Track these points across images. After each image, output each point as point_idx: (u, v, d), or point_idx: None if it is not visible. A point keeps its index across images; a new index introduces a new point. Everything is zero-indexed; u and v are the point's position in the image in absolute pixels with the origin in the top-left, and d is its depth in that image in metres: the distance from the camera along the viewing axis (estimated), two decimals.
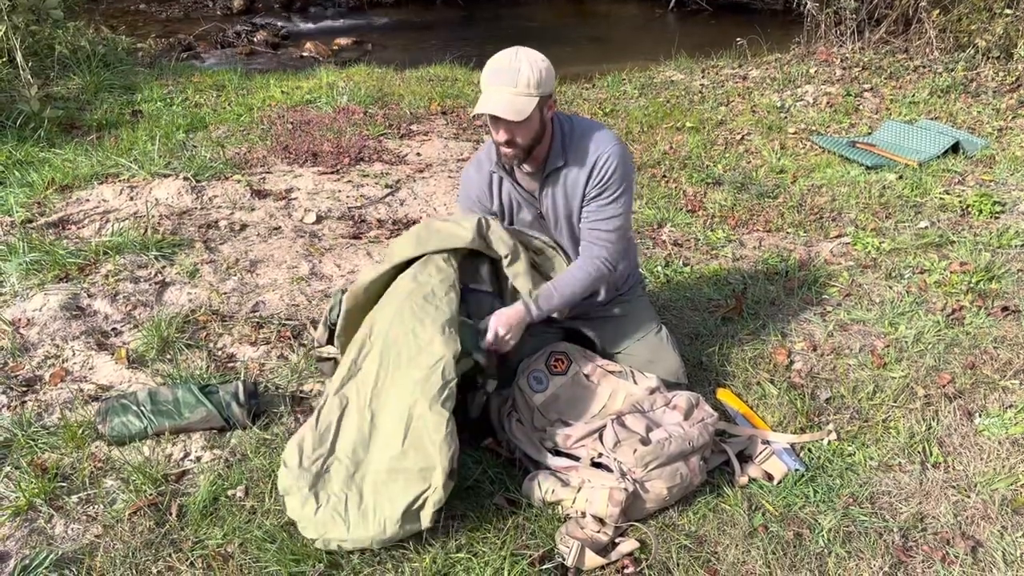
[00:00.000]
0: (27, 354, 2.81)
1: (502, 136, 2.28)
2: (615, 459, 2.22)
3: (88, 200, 3.88)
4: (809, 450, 2.56)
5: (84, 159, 4.35)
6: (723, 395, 2.79)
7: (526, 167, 2.45)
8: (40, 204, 3.84)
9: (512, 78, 2.19)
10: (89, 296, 3.10)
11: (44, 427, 2.49)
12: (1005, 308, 3.24)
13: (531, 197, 2.52)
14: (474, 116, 2.26)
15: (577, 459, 2.31)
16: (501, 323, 2.39)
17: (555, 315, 2.54)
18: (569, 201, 2.48)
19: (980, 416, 2.67)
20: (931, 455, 2.52)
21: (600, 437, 2.30)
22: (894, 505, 2.35)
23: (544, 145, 2.39)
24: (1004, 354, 2.96)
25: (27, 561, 2.03)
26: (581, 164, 2.41)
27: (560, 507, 2.26)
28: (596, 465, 2.28)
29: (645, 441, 2.24)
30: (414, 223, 3.96)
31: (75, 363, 2.78)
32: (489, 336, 2.38)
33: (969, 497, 2.36)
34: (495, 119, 2.25)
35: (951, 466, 2.49)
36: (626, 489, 2.16)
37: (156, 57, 7.39)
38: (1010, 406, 2.70)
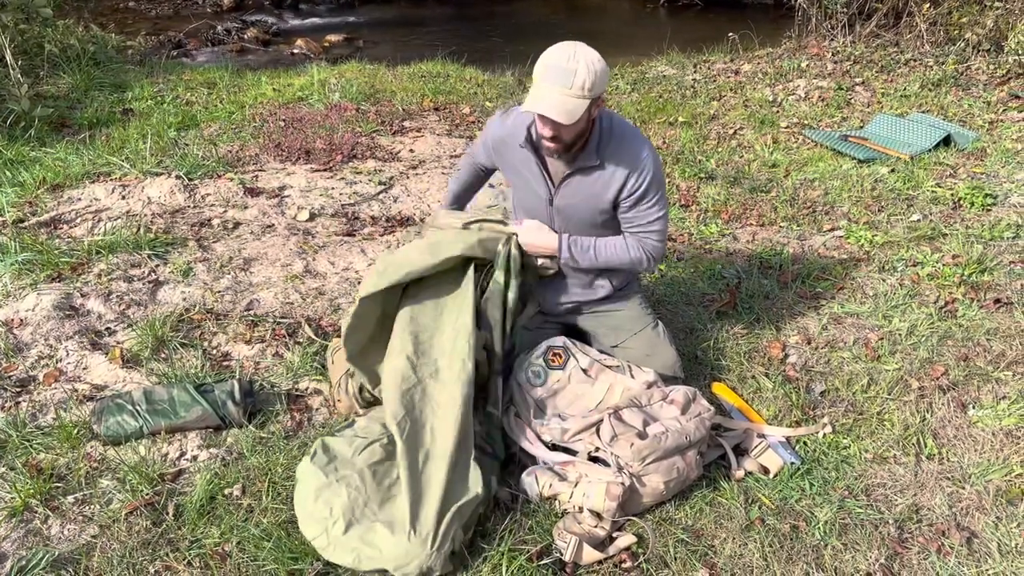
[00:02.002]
0: (20, 354, 2.79)
1: (547, 132, 2.27)
2: (612, 453, 2.22)
3: (80, 199, 3.87)
4: (804, 443, 2.56)
5: (75, 158, 4.33)
6: (718, 389, 2.79)
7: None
8: (32, 203, 3.82)
9: (568, 79, 2.14)
10: (82, 296, 3.09)
11: (39, 427, 2.48)
12: (997, 300, 3.25)
13: (549, 182, 2.49)
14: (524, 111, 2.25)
15: (574, 453, 2.31)
16: (529, 237, 2.52)
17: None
18: (593, 201, 2.45)
19: (974, 408, 2.69)
20: (925, 447, 2.54)
21: (597, 431, 2.30)
22: (889, 497, 2.36)
23: (583, 140, 2.37)
24: (997, 346, 2.97)
25: (23, 562, 2.02)
26: (615, 170, 2.39)
27: (557, 501, 2.26)
28: (593, 460, 2.28)
29: (642, 435, 2.25)
30: (408, 220, 3.96)
31: (69, 363, 2.76)
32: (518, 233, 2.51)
33: (964, 488, 2.37)
34: (544, 116, 2.22)
35: (945, 458, 2.50)
36: (623, 483, 2.17)
37: (146, 55, 7.35)
38: (1003, 397, 2.71)
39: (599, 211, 2.47)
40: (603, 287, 2.68)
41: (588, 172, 2.41)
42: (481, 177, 2.86)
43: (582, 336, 2.73)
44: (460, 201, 2.92)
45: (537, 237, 2.52)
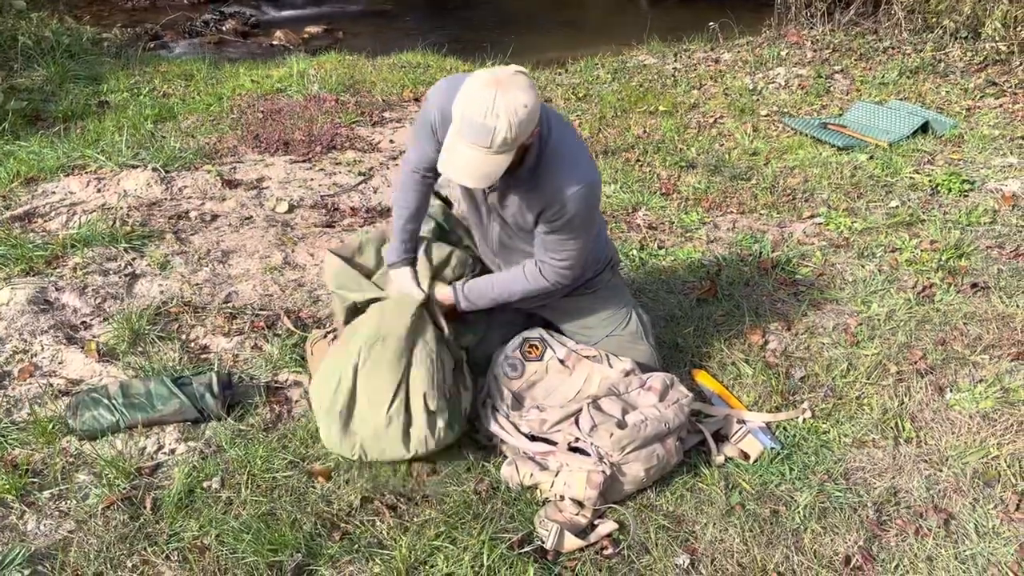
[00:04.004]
0: None
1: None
2: (592, 443, 2.23)
3: (54, 192, 3.82)
4: (784, 428, 2.58)
5: (50, 151, 4.27)
6: (699, 376, 2.80)
7: None
8: (5, 197, 3.76)
9: (486, 138, 1.91)
10: (57, 289, 3.05)
11: (13, 423, 2.45)
12: (975, 285, 3.28)
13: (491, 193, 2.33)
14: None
15: (554, 444, 2.31)
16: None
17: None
18: (522, 211, 2.29)
19: (951, 391, 2.71)
20: (904, 430, 2.55)
21: (576, 421, 2.30)
22: (868, 480, 2.38)
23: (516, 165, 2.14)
24: (974, 330, 3.00)
25: (0, 557, 2.00)
26: (540, 195, 2.20)
27: (539, 491, 2.27)
28: (573, 450, 2.28)
29: (621, 424, 2.25)
30: (387, 211, 3.93)
31: (44, 357, 2.73)
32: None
33: (941, 471, 2.39)
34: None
35: (923, 441, 2.52)
36: (604, 472, 2.17)
37: (122, 47, 7.24)
38: (980, 381, 2.74)
39: (526, 220, 2.31)
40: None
41: (522, 189, 2.22)
42: (428, 188, 2.49)
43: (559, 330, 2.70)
44: (412, 234, 2.55)
45: (435, 293, 2.47)
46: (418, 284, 2.47)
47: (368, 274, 2.59)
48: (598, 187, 2.29)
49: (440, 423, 2.28)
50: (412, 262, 2.52)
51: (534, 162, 2.16)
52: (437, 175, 2.39)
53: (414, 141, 2.39)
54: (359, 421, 2.28)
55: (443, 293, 2.48)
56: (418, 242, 2.56)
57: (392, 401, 2.26)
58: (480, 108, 1.90)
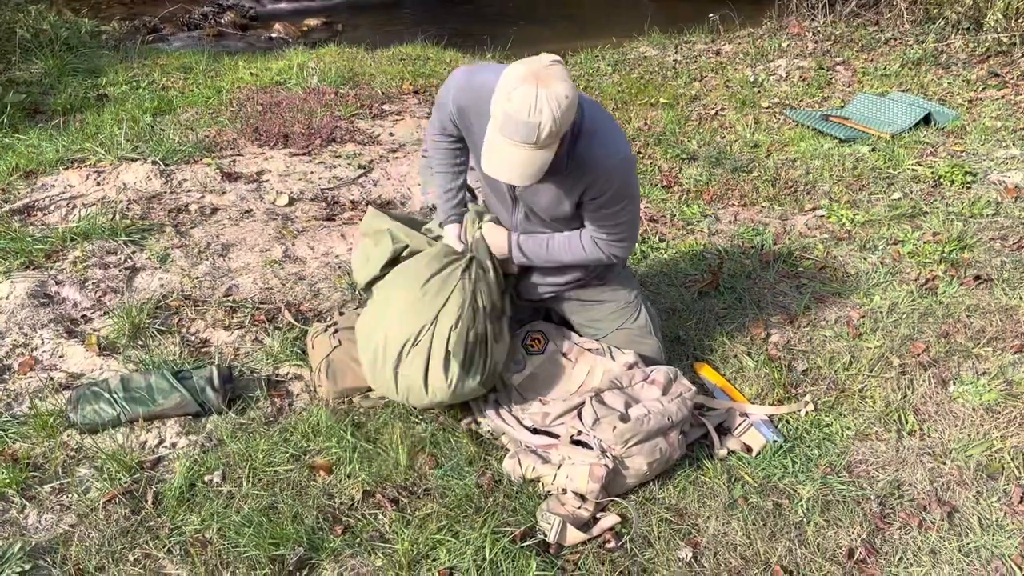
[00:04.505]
0: None
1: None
2: (594, 436, 2.22)
3: (54, 186, 3.80)
4: (787, 421, 2.57)
5: (49, 144, 4.25)
6: (701, 369, 2.79)
7: None
8: (4, 191, 3.75)
9: (532, 134, 1.89)
10: (57, 283, 3.04)
11: (14, 417, 2.44)
12: (977, 277, 3.27)
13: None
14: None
15: (556, 437, 2.31)
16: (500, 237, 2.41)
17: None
18: (556, 200, 2.27)
19: (954, 384, 2.70)
20: (907, 423, 2.55)
21: (579, 415, 2.29)
22: (871, 473, 2.37)
23: None
24: (977, 322, 2.99)
25: (0, 552, 1.99)
26: (581, 175, 2.17)
27: (541, 484, 2.26)
28: (576, 443, 2.28)
29: (624, 418, 2.24)
30: (388, 203, 3.92)
31: (44, 351, 2.72)
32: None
33: (944, 464, 2.39)
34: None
35: (927, 434, 2.51)
36: (606, 465, 2.17)
37: (121, 40, 7.22)
38: (983, 373, 2.73)
39: (563, 209, 2.29)
40: (574, 270, 2.52)
41: (557, 173, 2.15)
42: (457, 149, 2.50)
43: (566, 323, 2.69)
44: (457, 190, 2.57)
45: (489, 236, 2.42)
46: (463, 238, 2.47)
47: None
48: (633, 157, 2.30)
49: (455, 367, 2.26)
50: (460, 218, 2.53)
51: (569, 146, 2.13)
52: (463, 145, 2.46)
53: (436, 115, 2.44)
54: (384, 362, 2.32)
55: (497, 239, 2.41)
56: (464, 198, 2.56)
57: (418, 337, 2.28)
58: (523, 106, 1.88)
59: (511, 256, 2.43)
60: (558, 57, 2.00)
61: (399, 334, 2.30)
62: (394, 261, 2.49)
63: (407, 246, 2.49)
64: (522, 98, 1.88)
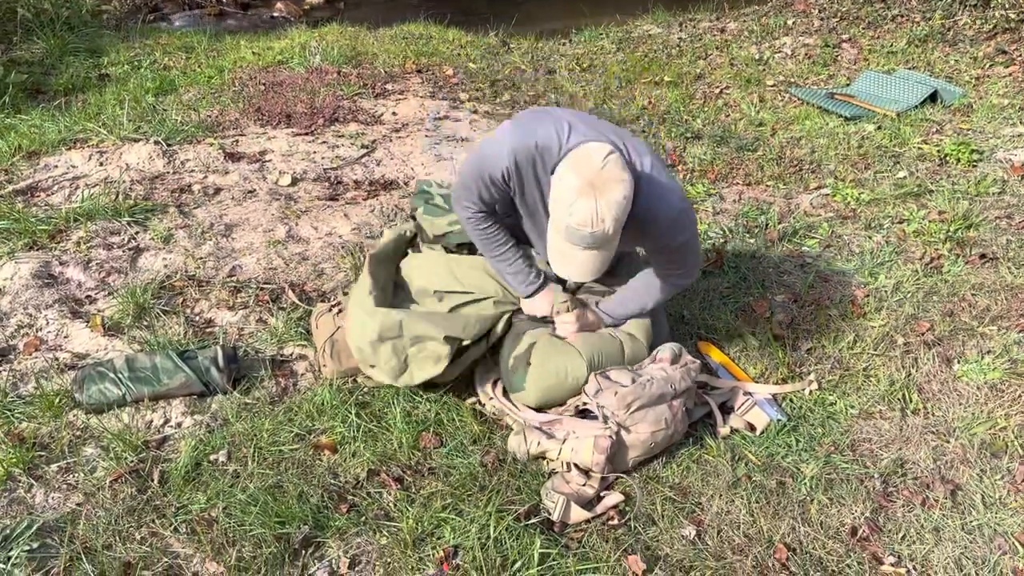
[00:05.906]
0: None
1: None
2: (598, 404, 2.22)
3: (56, 166, 3.79)
4: (791, 400, 2.57)
5: (51, 124, 4.24)
6: (705, 348, 2.79)
7: None
8: (7, 171, 3.74)
9: (598, 241, 1.93)
10: (61, 264, 3.04)
11: (20, 397, 2.46)
12: (983, 256, 3.25)
13: None
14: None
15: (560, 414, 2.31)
16: (573, 328, 2.44)
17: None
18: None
19: (958, 362, 2.70)
20: (911, 402, 2.55)
21: (584, 389, 2.30)
22: (875, 452, 2.38)
23: None
24: (982, 301, 2.98)
25: (8, 531, 2.01)
26: (634, 232, 2.12)
27: (546, 460, 2.27)
28: (580, 414, 2.28)
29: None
30: (391, 183, 3.91)
31: (49, 332, 2.73)
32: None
33: (948, 442, 2.39)
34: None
35: (930, 412, 2.51)
36: (611, 436, 2.16)
37: (122, 19, 7.18)
38: (988, 352, 2.72)
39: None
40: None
41: None
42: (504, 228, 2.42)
43: None
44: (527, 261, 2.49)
45: (583, 327, 2.47)
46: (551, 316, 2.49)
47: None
48: (691, 210, 2.27)
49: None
50: (544, 284, 2.48)
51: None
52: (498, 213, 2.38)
53: (471, 190, 2.26)
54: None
55: (590, 322, 2.49)
56: (534, 261, 2.54)
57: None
58: (585, 220, 1.89)
59: (604, 324, 2.53)
60: (609, 148, 1.95)
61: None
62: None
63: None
64: (583, 213, 1.89)
